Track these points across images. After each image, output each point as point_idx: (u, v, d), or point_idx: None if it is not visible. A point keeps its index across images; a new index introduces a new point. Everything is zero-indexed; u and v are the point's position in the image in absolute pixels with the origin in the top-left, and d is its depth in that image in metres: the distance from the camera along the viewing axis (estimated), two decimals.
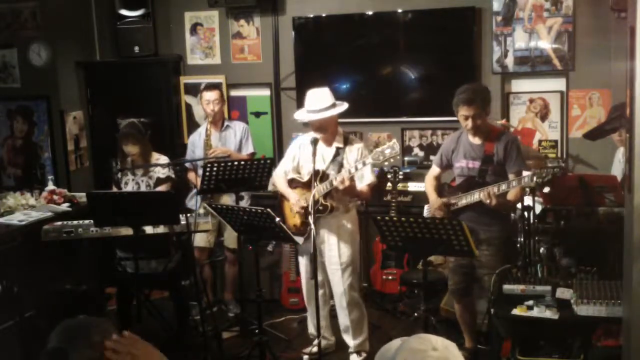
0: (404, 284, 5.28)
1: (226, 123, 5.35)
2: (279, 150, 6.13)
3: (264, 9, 5.99)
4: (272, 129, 6.16)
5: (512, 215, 4.81)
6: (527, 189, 4.45)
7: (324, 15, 5.89)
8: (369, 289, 5.55)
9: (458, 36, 5.61)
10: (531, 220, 4.39)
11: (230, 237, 5.17)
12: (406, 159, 5.83)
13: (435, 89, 5.67)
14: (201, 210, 4.89)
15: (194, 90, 6.22)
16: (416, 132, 5.84)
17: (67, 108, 6.04)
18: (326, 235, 4.35)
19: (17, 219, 4.58)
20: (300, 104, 5.84)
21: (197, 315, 4.87)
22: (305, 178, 4.37)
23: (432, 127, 5.74)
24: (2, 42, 6.04)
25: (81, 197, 5.06)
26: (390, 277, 5.47)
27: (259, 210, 3.86)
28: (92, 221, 4.29)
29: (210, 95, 5.21)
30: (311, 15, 5.91)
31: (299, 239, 4.32)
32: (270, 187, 5.02)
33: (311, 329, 4.62)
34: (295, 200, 4.31)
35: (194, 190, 5.12)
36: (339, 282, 4.39)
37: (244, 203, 5.11)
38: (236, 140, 5.31)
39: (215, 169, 4.47)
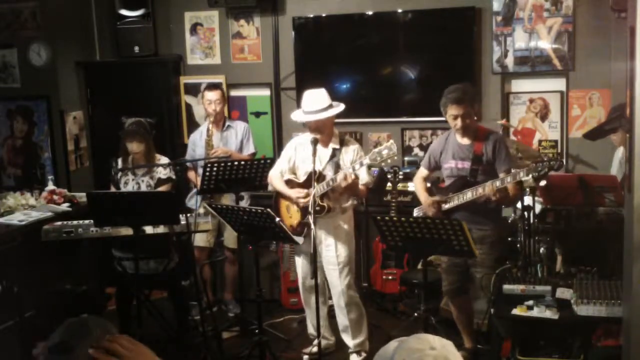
0: (404, 284, 5.28)
1: (227, 123, 5.35)
2: (279, 150, 6.11)
3: (264, 9, 5.99)
4: (272, 129, 6.16)
5: (512, 215, 4.82)
6: (527, 189, 4.46)
7: (324, 15, 5.89)
8: (369, 289, 5.54)
9: (458, 36, 5.61)
10: (531, 220, 4.39)
11: (231, 237, 5.18)
12: (406, 159, 5.83)
13: (435, 89, 5.59)
14: (201, 210, 4.90)
15: (194, 90, 6.22)
16: (416, 132, 5.84)
17: (67, 108, 6.04)
18: (323, 235, 4.36)
19: (17, 219, 4.58)
20: (300, 104, 5.85)
21: (197, 315, 4.88)
22: (302, 179, 4.38)
23: (432, 127, 5.74)
24: (2, 42, 6.04)
25: (81, 197, 5.06)
26: (390, 277, 5.47)
27: (259, 210, 3.86)
28: (92, 221, 4.28)
29: (212, 95, 5.21)
30: (311, 15, 5.91)
31: (299, 239, 4.32)
32: (270, 187, 5.02)
33: (311, 329, 4.63)
34: (296, 194, 4.31)
35: (194, 190, 5.13)
36: (337, 281, 4.40)
37: (244, 203, 5.11)
38: (237, 140, 5.31)
39: (215, 169, 4.47)
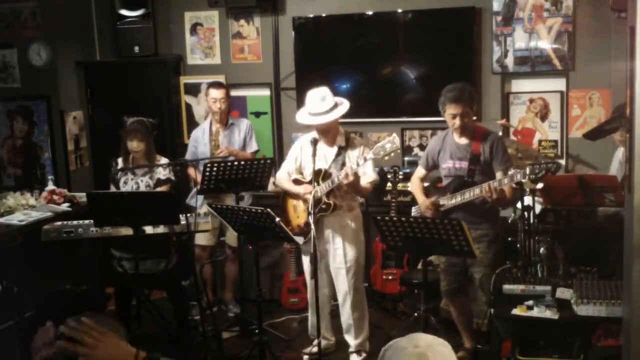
0: (404, 284, 5.28)
1: (230, 121, 5.34)
2: (279, 150, 6.13)
3: (264, 9, 5.99)
4: (272, 129, 6.16)
5: (512, 215, 4.82)
6: (527, 189, 4.46)
7: (324, 15, 5.89)
8: (369, 289, 5.54)
9: (458, 36, 5.61)
10: (531, 220, 4.39)
11: (232, 235, 5.17)
12: (406, 159, 5.83)
13: (435, 89, 5.58)
14: (204, 210, 4.90)
15: (194, 90, 6.22)
16: (416, 132, 5.85)
17: (67, 108, 6.04)
18: (331, 235, 4.35)
19: (17, 219, 4.58)
20: (300, 104, 5.84)
21: (197, 315, 4.88)
22: (308, 178, 4.37)
23: (432, 127, 5.74)
24: (2, 42, 6.04)
25: (81, 197, 5.06)
26: (390, 277, 5.47)
27: (259, 211, 3.86)
28: (92, 221, 4.29)
29: (217, 94, 5.19)
30: (311, 15, 5.91)
31: (300, 239, 4.32)
32: (270, 187, 5.02)
33: (312, 329, 4.62)
34: (304, 190, 4.30)
35: (194, 190, 5.12)
36: (343, 281, 4.39)
37: (245, 203, 5.11)
38: (240, 137, 5.30)
39: (215, 168, 4.47)
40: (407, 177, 5.51)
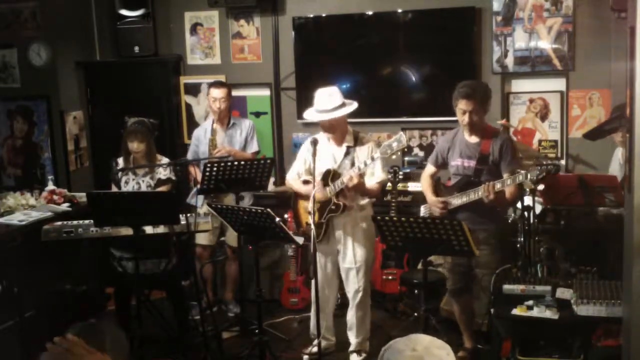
0: (404, 284, 5.27)
1: (232, 121, 5.32)
2: (279, 150, 6.14)
3: (264, 9, 5.99)
4: (272, 129, 6.16)
5: (512, 215, 4.82)
6: (527, 189, 4.46)
7: (324, 15, 5.89)
8: (369, 289, 5.54)
9: (458, 36, 5.61)
10: (531, 220, 4.39)
11: (232, 235, 5.16)
12: (406, 159, 5.83)
13: (435, 89, 5.67)
14: (204, 210, 4.89)
15: (194, 90, 6.22)
16: (416, 132, 5.85)
17: (67, 108, 6.05)
18: (342, 236, 4.34)
19: (17, 219, 4.57)
20: (300, 104, 5.85)
21: (197, 315, 4.87)
22: (317, 179, 4.37)
23: (432, 127, 5.74)
24: (2, 42, 6.05)
25: (81, 197, 5.06)
26: (390, 277, 5.46)
27: (259, 211, 3.86)
28: (92, 221, 4.28)
29: (218, 93, 5.17)
30: (311, 15, 5.91)
31: (299, 239, 4.31)
32: (270, 188, 5.02)
33: (314, 328, 4.61)
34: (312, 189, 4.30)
35: (195, 189, 5.12)
36: (353, 281, 4.38)
37: (246, 203, 5.11)
38: (242, 137, 5.29)
39: (215, 168, 4.47)
40: (407, 177, 5.52)
